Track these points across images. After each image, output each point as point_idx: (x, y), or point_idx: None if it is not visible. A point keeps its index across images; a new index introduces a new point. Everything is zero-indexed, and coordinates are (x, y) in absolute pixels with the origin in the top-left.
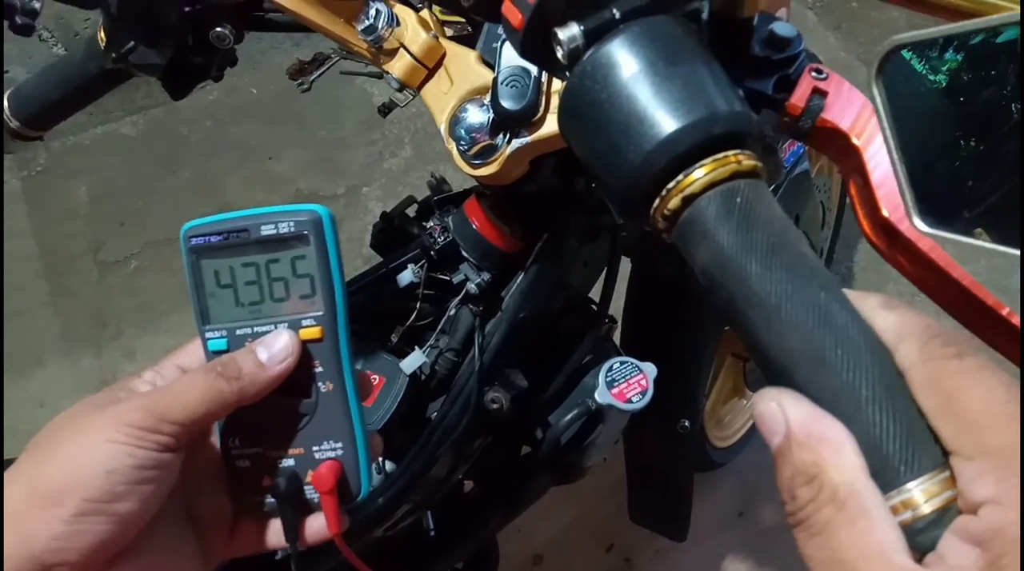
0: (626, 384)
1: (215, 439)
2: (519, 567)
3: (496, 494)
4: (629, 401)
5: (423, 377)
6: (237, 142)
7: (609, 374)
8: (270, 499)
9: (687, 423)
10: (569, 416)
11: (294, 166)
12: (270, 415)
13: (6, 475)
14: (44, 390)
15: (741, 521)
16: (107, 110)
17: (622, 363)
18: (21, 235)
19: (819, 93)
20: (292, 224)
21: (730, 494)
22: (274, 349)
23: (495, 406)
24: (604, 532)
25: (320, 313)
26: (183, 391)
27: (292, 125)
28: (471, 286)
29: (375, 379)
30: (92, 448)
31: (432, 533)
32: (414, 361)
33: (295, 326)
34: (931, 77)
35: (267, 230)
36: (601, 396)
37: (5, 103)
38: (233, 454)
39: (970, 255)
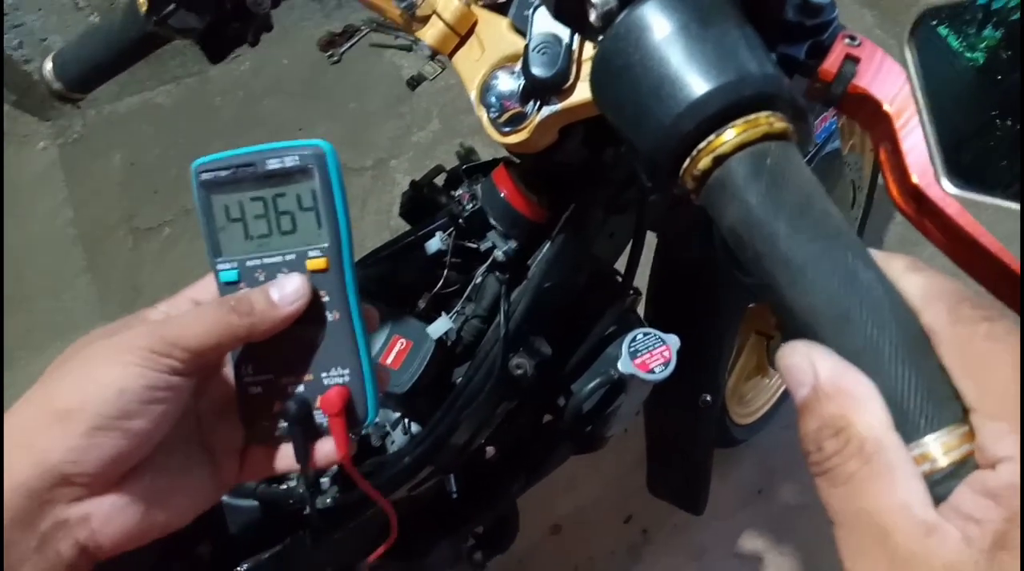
0: (649, 355)
1: (228, 370)
2: (538, 535)
3: (518, 460)
4: (651, 372)
5: (449, 343)
6: (268, 113)
7: (632, 344)
8: (281, 424)
9: (708, 397)
10: (592, 385)
11: (324, 138)
12: (281, 344)
13: (20, 400)
14: None
15: (760, 498)
16: (141, 79)
17: (646, 334)
18: (59, 202)
19: (852, 59)
20: (297, 158)
21: (750, 471)
22: (286, 290)
23: (519, 372)
24: (623, 504)
25: (326, 245)
26: (195, 321)
27: (322, 97)
28: (498, 254)
29: (402, 343)
30: (105, 368)
31: (455, 496)
32: (441, 327)
33: (302, 257)
34: (968, 55)
35: (273, 164)
36: (624, 366)
37: (49, 65)
38: (245, 381)
39: (996, 220)
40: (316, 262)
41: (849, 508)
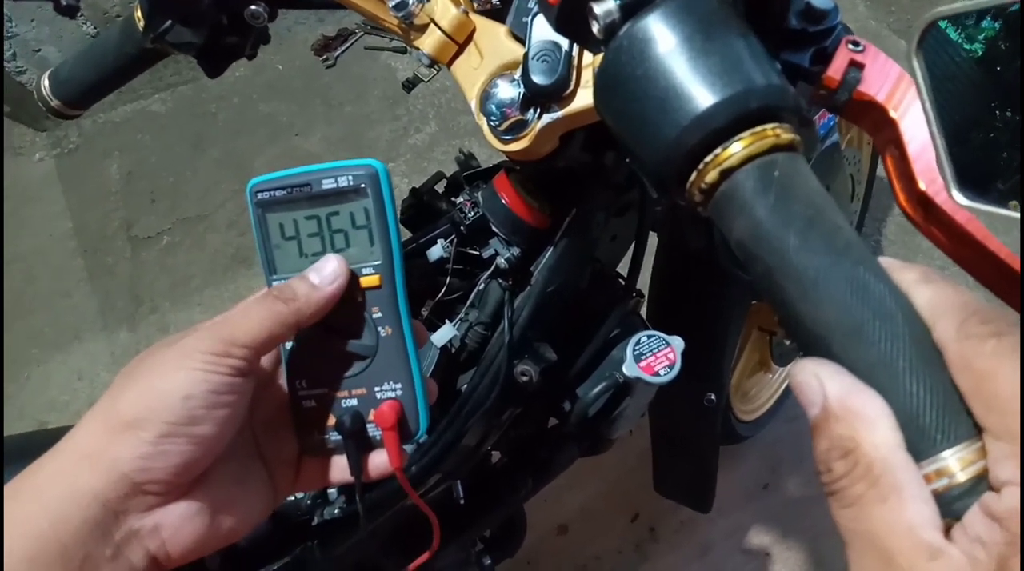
0: (654, 357)
1: (282, 382)
2: (545, 536)
3: (524, 465)
4: (657, 374)
5: (453, 350)
6: (264, 119)
7: (637, 348)
8: (334, 437)
9: (713, 396)
10: (597, 389)
11: (321, 142)
12: (334, 358)
13: (87, 414)
14: (82, 364)
15: (766, 493)
16: (136, 88)
17: (650, 337)
18: (57, 212)
19: (856, 65)
20: (351, 178)
21: (755, 467)
22: (324, 272)
23: (524, 379)
24: (629, 503)
25: (379, 262)
26: (244, 316)
27: (318, 101)
28: (500, 261)
29: None
30: (168, 376)
31: (462, 502)
32: (445, 334)
33: (355, 274)
34: (967, 46)
35: (328, 184)
36: (629, 369)
37: (45, 82)
38: (300, 395)
39: (1004, 227)
40: (369, 279)
41: (857, 529)
